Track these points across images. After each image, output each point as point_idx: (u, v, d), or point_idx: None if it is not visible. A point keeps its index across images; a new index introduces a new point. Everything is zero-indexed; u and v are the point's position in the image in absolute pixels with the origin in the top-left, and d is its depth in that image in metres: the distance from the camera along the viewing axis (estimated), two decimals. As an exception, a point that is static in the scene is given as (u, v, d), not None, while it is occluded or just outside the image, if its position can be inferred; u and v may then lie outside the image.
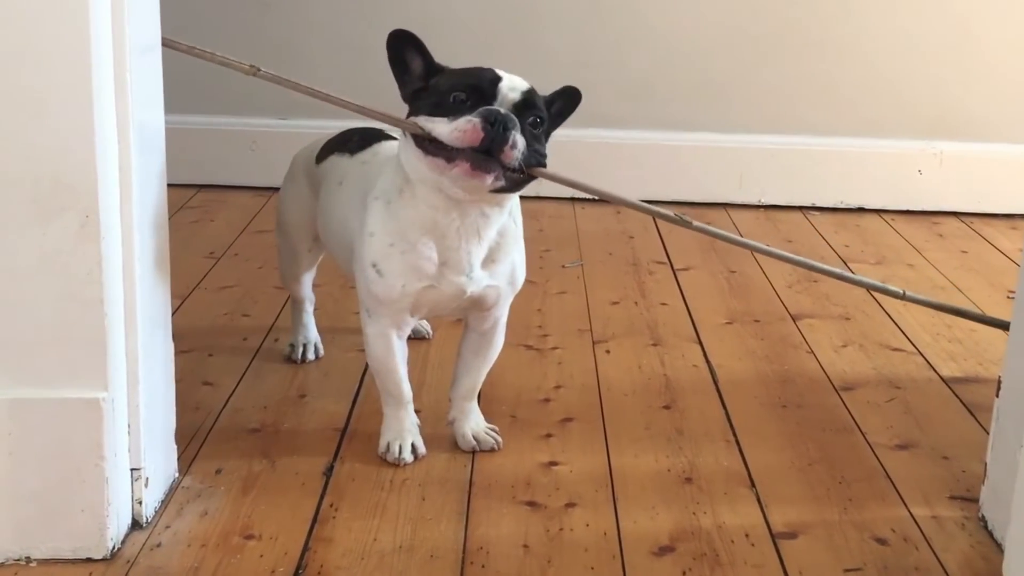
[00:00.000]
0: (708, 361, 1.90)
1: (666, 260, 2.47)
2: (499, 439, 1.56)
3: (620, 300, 2.20)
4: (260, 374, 1.78)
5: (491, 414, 1.66)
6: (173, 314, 1.42)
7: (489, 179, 1.33)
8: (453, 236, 1.40)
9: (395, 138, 1.58)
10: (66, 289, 1.21)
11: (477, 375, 1.57)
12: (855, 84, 2.93)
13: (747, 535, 1.36)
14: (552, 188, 2.92)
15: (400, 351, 1.50)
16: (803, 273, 2.40)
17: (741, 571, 1.29)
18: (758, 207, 2.94)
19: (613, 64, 2.92)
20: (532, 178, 1.39)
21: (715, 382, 1.81)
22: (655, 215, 1.56)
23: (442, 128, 1.33)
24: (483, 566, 1.28)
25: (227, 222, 2.63)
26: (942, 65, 2.91)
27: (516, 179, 1.36)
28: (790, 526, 1.38)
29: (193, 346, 1.85)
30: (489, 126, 1.31)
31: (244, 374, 1.77)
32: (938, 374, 1.88)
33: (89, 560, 1.26)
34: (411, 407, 1.54)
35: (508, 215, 1.46)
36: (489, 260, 1.45)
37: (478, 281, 1.44)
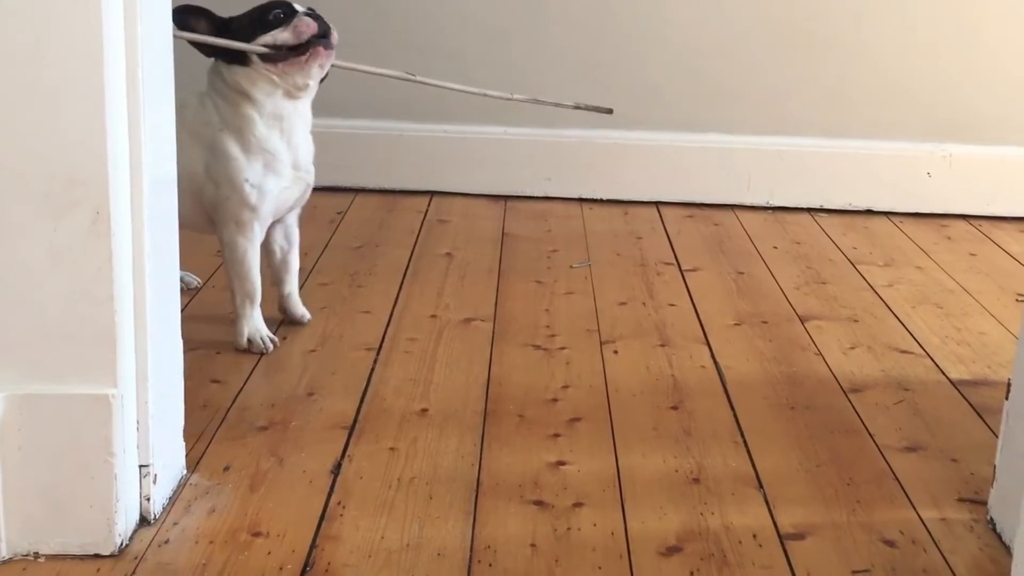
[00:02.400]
0: (716, 362, 1.90)
1: (674, 261, 2.47)
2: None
3: (628, 301, 2.20)
4: (268, 372, 1.78)
5: (498, 413, 1.66)
6: (182, 311, 1.43)
7: (334, 54, 1.79)
8: (297, 135, 1.80)
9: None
10: (76, 285, 1.21)
11: (295, 261, 1.94)
12: (864, 86, 2.92)
13: (755, 536, 1.36)
14: (560, 189, 2.93)
15: (258, 259, 1.83)
16: (811, 275, 2.40)
17: (749, 572, 1.28)
18: (766, 208, 2.94)
19: (622, 65, 2.92)
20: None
21: (723, 383, 1.81)
22: (384, 75, 1.94)
23: (285, 34, 1.75)
24: (490, 565, 1.28)
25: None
26: (951, 67, 2.90)
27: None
28: (798, 527, 1.38)
29: (201, 344, 1.85)
30: (315, 19, 1.77)
31: (252, 372, 1.78)
32: (947, 377, 1.87)
33: (97, 556, 1.26)
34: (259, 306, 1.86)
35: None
36: (310, 153, 1.84)
37: (311, 172, 1.84)
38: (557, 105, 2.02)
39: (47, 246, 1.20)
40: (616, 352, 1.93)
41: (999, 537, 1.37)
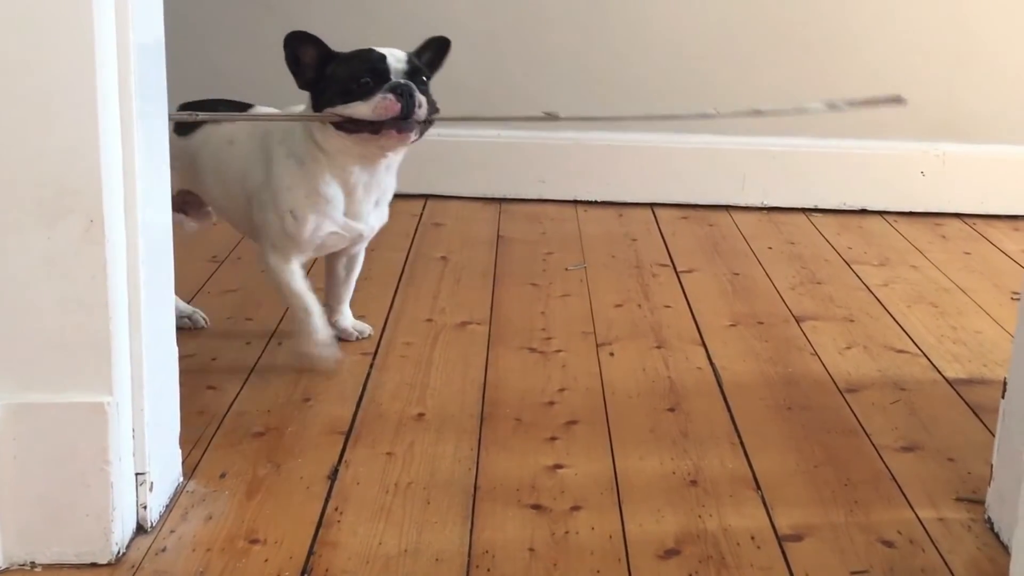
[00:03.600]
0: (712, 363, 1.90)
1: (669, 262, 2.47)
2: (368, 328, 1.95)
3: (623, 303, 2.20)
4: (264, 378, 1.78)
5: (495, 417, 1.66)
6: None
7: (412, 136, 1.66)
8: (360, 191, 1.72)
9: (251, 104, 1.88)
10: (70, 293, 1.21)
11: (350, 285, 1.92)
12: (857, 85, 2.92)
13: (753, 538, 1.36)
14: (554, 191, 2.93)
15: (303, 275, 1.77)
16: (806, 275, 2.40)
17: (747, 574, 1.28)
18: (760, 209, 2.94)
19: (615, 66, 2.92)
20: (431, 124, 1.70)
21: (719, 384, 1.81)
22: (525, 120, 1.89)
23: (363, 109, 1.63)
24: (488, 570, 1.28)
25: (229, 226, 2.62)
26: (944, 66, 2.91)
27: (422, 128, 1.68)
28: (796, 528, 1.38)
29: (196, 350, 1.85)
30: (400, 96, 1.62)
31: (248, 378, 1.77)
32: (943, 376, 1.87)
33: (94, 565, 1.25)
34: (321, 312, 1.79)
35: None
36: (375, 205, 1.77)
37: (370, 224, 1.78)
38: (831, 108, 1.76)
39: (41, 254, 1.20)
40: (612, 354, 1.93)
41: (997, 536, 1.37)
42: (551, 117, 1.74)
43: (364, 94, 1.63)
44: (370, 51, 1.67)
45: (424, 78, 1.68)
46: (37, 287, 1.20)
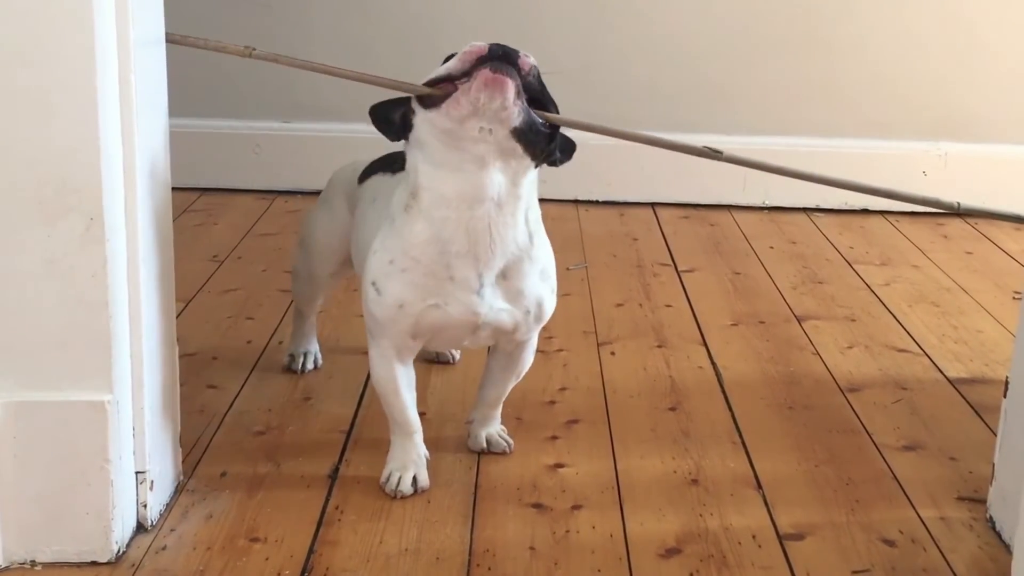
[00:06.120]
0: (713, 363, 1.89)
1: (670, 262, 2.47)
2: (510, 441, 1.55)
3: (625, 302, 2.20)
4: (264, 377, 1.78)
5: (496, 416, 1.66)
6: (177, 317, 1.42)
7: (511, 87, 1.22)
8: (461, 239, 1.30)
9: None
10: (71, 291, 1.21)
11: (503, 387, 1.53)
12: (859, 85, 2.92)
13: (754, 537, 1.36)
14: (555, 191, 2.92)
15: (404, 377, 1.42)
16: (808, 274, 2.40)
17: (748, 573, 1.28)
18: (762, 209, 2.93)
19: (616, 66, 2.92)
20: (552, 134, 1.31)
21: (721, 384, 1.81)
22: (684, 150, 1.43)
23: (451, 63, 1.25)
24: (489, 568, 1.27)
25: (230, 225, 2.63)
26: (947, 66, 2.91)
27: (537, 129, 1.27)
28: (797, 527, 1.38)
29: (197, 349, 1.85)
30: (494, 45, 1.24)
31: (248, 377, 1.77)
32: (944, 375, 1.87)
33: (94, 563, 1.25)
34: (418, 437, 1.46)
35: (524, 221, 1.34)
36: (502, 277, 1.34)
37: (490, 303, 1.34)
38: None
39: (41, 253, 1.20)
40: (613, 354, 1.92)
41: (998, 535, 1.37)
42: (712, 154, 1.41)
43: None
44: None
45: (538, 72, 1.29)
46: (37, 285, 1.20)
